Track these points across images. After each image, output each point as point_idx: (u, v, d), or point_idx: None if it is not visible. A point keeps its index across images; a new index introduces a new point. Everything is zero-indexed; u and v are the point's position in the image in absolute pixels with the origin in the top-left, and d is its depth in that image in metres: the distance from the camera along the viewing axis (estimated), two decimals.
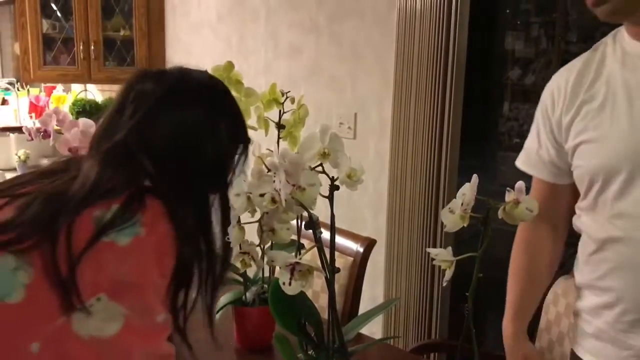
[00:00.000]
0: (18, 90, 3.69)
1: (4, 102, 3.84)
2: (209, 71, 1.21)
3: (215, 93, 0.92)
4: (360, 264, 1.57)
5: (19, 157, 2.89)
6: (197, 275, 0.82)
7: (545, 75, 2.69)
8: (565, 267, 1.54)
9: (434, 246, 1.95)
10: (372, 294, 2.17)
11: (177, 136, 0.85)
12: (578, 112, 0.95)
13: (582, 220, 1.01)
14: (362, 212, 2.23)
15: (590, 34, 2.44)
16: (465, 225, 0.78)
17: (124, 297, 0.75)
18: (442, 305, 1.99)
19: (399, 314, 2.06)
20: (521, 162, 1.11)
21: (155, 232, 0.77)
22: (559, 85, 1.00)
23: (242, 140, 0.92)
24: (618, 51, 0.94)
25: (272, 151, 1.06)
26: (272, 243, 1.07)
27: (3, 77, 4.41)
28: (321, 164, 0.82)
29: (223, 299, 1.34)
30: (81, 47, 2.98)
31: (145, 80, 0.89)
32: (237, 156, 0.90)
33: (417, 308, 2.01)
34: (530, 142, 1.09)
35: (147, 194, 0.79)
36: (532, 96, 2.67)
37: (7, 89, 3.72)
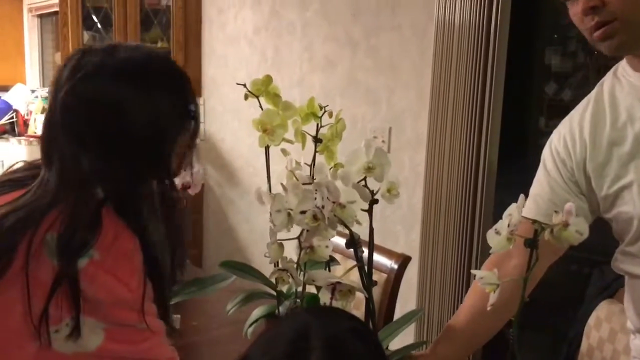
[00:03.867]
0: None
1: (44, 110, 3.95)
2: (248, 85, 1.21)
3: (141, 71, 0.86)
4: (394, 281, 1.55)
5: None
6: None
7: (583, 91, 2.64)
8: (609, 290, 1.49)
9: (469, 264, 1.91)
10: (404, 312, 2.13)
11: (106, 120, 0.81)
12: (608, 156, 0.91)
13: (627, 264, 0.97)
14: (395, 227, 2.21)
15: None
16: (511, 247, 0.75)
17: (96, 313, 0.76)
18: None
19: (431, 333, 2.02)
20: (531, 212, 0.99)
21: (110, 254, 0.76)
22: (572, 131, 0.97)
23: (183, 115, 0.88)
24: (626, 87, 0.91)
25: (299, 164, 1.05)
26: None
27: (44, 86, 4.55)
28: (365, 179, 0.81)
29: (256, 312, 1.33)
30: None
31: (63, 70, 0.84)
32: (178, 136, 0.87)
33: None
34: (538, 190, 1.02)
35: (104, 207, 0.78)
36: (568, 112, 2.61)
37: (47, 98, 3.83)
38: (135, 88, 0.82)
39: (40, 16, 4.74)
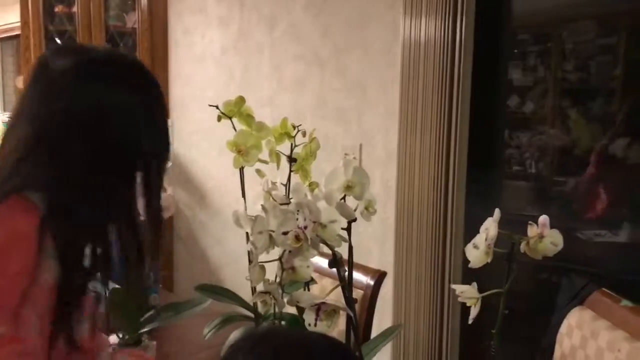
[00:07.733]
0: None
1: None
2: (220, 106, 1.22)
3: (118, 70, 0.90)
4: (371, 297, 1.55)
5: None
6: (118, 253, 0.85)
7: (543, 103, 2.71)
8: (579, 297, 1.52)
9: (443, 278, 1.93)
10: (380, 327, 2.13)
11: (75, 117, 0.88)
12: None
13: None
14: (368, 243, 2.22)
15: (585, 63, 2.47)
16: (489, 261, 0.77)
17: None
18: (452, 338, 1.95)
19: (408, 348, 2.03)
20: None
21: None
22: None
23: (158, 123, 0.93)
24: None
25: (275, 184, 1.06)
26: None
27: (5, 110, 4.43)
28: (344, 197, 0.82)
29: (234, 334, 1.32)
30: None
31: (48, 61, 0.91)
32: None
33: (426, 341, 1.98)
34: None
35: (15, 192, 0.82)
36: (530, 124, 2.68)
37: (8, 123, 3.73)
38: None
39: (1, 40, 4.63)
